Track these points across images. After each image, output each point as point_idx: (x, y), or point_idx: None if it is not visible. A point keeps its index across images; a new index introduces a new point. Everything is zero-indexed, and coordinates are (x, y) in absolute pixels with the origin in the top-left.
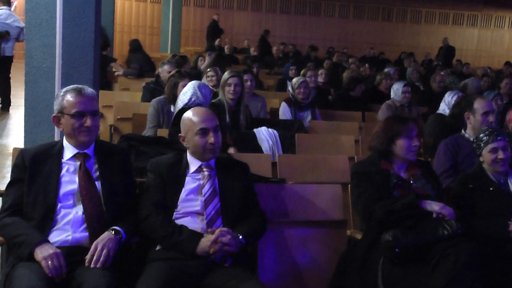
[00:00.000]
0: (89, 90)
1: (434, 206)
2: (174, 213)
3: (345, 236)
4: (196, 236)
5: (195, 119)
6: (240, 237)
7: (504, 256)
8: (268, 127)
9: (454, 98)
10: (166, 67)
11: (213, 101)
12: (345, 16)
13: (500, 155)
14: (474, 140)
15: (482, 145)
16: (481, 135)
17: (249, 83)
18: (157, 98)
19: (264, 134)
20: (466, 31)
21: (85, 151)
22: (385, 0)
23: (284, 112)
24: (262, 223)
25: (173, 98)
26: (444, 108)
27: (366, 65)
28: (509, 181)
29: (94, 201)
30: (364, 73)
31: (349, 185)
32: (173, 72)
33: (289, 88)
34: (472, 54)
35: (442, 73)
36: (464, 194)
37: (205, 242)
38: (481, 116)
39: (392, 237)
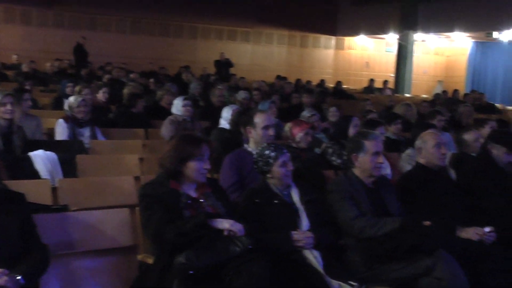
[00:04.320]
0: None
1: (224, 224)
2: None
3: (136, 262)
4: None
5: None
6: (19, 277)
7: (292, 266)
8: (45, 150)
9: (230, 112)
10: None
11: None
12: (122, 31)
13: (290, 167)
14: (259, 158)
15: (271, 161)
16: (267, 152)
17: (29, 102)
18: None
19: (41, 158)
20: (240, 46)
21: None
22: (162, 15)
23: (62, 129)
24: (44, 258)
25: None
26: (224, 123)
27: (151, 80)
28: (291, 193)
29: None
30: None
31: (138, 208)
32: None
33: (66, 107)
34: (247, 68)
35: (220, 87)
36: (251, 208)
37: None
38: (262, 130)
39: (185, 259)
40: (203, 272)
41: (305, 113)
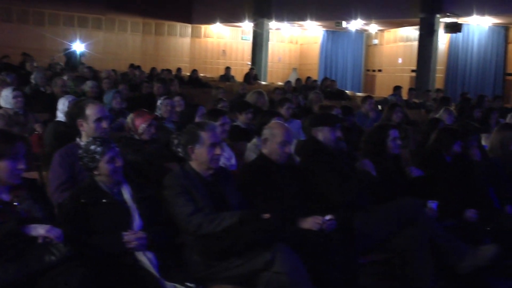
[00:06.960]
0: None
1: (39, 230)
2: None
3: None
4: None
5: None
6: None
7: (124, 270)
8: None
9: (66, 104)
10: None
11: None
12: None
13: (119, 162)
14: (84, 154)
15: (97, 157)
16: (92, 147)
17: None
18: None
19: None
20: (92, 33)
21: None
22: None
23: None
24: None
25: None
26: (61, 115)
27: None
28: (122, 190)
29: None
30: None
31: None
32: None
33: None
34: (99, 57)
35: (65, 77)
36: (77, 210)
37: None
38: (94, 122)
39: None
40: (14, 287)
41: (159, 102)
